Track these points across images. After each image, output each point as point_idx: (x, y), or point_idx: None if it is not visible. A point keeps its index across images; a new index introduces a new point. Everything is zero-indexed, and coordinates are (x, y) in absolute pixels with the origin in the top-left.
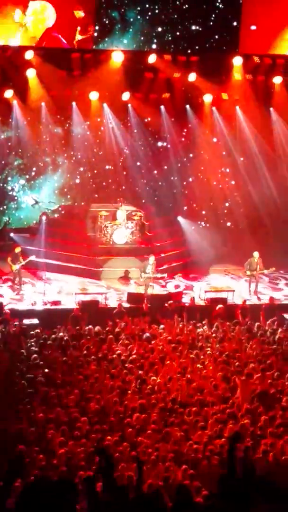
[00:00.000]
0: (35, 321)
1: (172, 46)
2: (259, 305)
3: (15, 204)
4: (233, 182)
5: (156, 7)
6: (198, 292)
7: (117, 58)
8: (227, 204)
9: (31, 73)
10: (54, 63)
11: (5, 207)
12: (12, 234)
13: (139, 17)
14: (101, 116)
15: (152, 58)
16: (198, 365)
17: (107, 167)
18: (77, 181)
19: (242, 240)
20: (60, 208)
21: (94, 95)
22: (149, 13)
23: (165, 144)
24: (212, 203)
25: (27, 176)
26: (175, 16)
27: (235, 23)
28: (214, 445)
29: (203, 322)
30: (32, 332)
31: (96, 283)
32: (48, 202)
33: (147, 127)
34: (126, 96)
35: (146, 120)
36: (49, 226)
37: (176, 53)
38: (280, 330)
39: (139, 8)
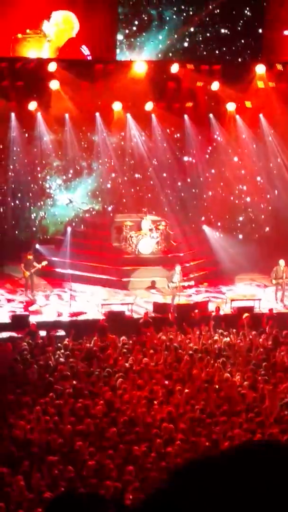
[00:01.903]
0: (61, 332)
1: (202, 46)
2: (286, 313)
3: (51, 201)
4: (257, 187)
5: (191, 8)
6: (224, 301)
7: (140, 68)
8: (251, 214)
9: (54, 85)
10: (77, 74)
11: (42, 203)
12: (37, 246)
13: (174, 16)
14: (124, 126)
15: (175, 68)
16: (226, 374)
17: (136, 175)
18: (108, 186)
19: (268, 248)
20: (91, 209)
21: (117, 106)
22: (184, 14)
23: (189, 158)
24: (240, 213)
25: (64, 177)
26: (207, 19)
27: (260, 30)
28: None
29: (230, 331)
30: (59, 344)
31: (119, 292)
32: (81, 202)
33: (170, 137)
34: (149, 106)
35: (169, 130)
36: (74, 237)
37: (199, 61)
38: None
39: (175, 8)
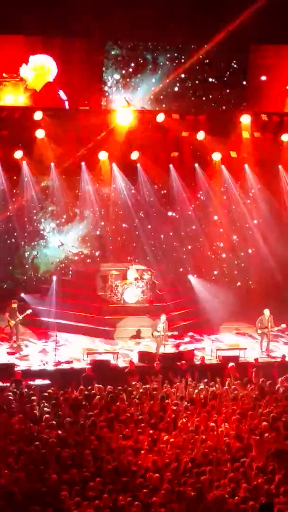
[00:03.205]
0: (46, 381)
1: (191, 91)
2: (272, 363)
3: (44, 243)
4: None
5: (183, 56)
6: (210, 350)
7: (126, 117)
8: (234, 260)
9: (40, 134)
10: (63, 123)
11: (35, 243)
12: (22, 295)
13: (167, 62)
14: (110, 176)
15: (160, 117)
16: (211, 424)
17: (123, 225)
18: (98, 232)
19: (253, 298)
20: (80, 253)
21: (103, 155)
22: (176, 61)
23: (173, 214)
24: (224, 264)
25: (57, 221)
26: (197, 67)
27: (244, 82)
28: (228, 504)
29: (215, 380)
30: (44, 393)
31: (105, 342)
32: (72, 246)
33: (156, 190)
34: (135, 155)
35: (155, 183)
36: (59, 286)
37: (185, 111)
38: None
39: (168, 55)
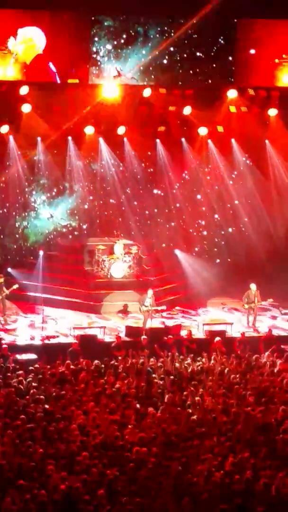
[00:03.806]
0: (33, 356)
1: (179, 65)
2: (258, 337)
3: (35, 214)
4: (229, 212)
5: (172, 30)
6: (196, 325)
7: (113, 92)
8: (220, 234)
9: (26, 108)
10: (49, 97)
11: (26, 214)
12: (9, 269)
13: (158, 35)
14: (97, 150)
15: (147, 92)
16: (197, 398)
17: (111, 200)
18: (86, 206)
19: (238, 274)
20: (68, 225)
21: (89, 129)
22: (166, 34)
23: (159, 192)
24: (213, 237)
25: (48, 194)
26: (185, 41)
27: (230, 58)
28: (214, 478)
29: (202, 354)
30: (31, 367)
31: (91, 316)
32: (60, 218)
33: (142, 166)
34: (121, 130)
35: (141, 157)
36: (46, 261)
37: (172, 85)
38: (279, 361)
39: (159, 28)
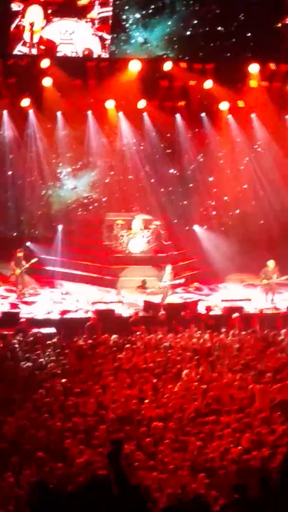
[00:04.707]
0: (52, 330)
1: (202, 38)
2: (276, 314)
3: (59, 184)
4: (245, 187)
5: (197, 4)
6: (215, 301)
7: (133, 66)
8: (237, 211)
9: (47, 82)
10: (70, 71)
11: (51, 183)
12: (28, 243)
13: (184, 8)
14: (117, 125)
15: (167, 66)
16: (215, 374)
17: (129, 176)
18: (107, 181)
19: (258, 249)
20: (89, 197)
21: (110, 104)
22: (191, 8)
23: (174, 172)
24: (230, 212)
25: (73, 167)
26: (209, 15)
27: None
28: (231, 454)
29: (220, 330)
30: (49, 342)
31: (110, 291)
32: (83, 190)
33: (163, 135)
34: (142, 104)
35: (161, 133)
36: (65, 235)
37: (192, 59)
38: None
39: (185, 2)
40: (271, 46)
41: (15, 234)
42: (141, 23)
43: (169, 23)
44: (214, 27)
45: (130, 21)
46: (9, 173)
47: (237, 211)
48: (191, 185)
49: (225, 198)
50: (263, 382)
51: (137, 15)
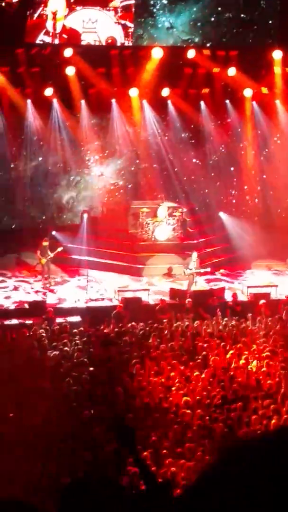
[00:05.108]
0: (78, 318)
1: (225, 24)
2: None
3: (87, 171)
4: (264, 176)
5: None
6: (241, 287)
7: (156, 54)
8: (258, 200)
9: (70, 71)
10: (93, 60)
11: (79, 170)
12: (54, 232)
13: None
14: (140, 113)
15: (191, 53)
16: (242, 361)
17: (154, 165)
18: (132, 169)
19: (286, 234)
20: (116, 183)
21: (133, 92)
22: None
23: (197, 161)
24: (256, 199)
25: (101, 155)
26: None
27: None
28: None
29: (246, 317)
30: (75, 330)
31: (136, 279)
32: (109, 177)
33: (187, 123)
34: (165, 92)
35: (185, 121)
36: (90, 224)
37: (215, 47)
38: None
39: None
40: None
41: (43, 217)
42: (167, 8)
43: (195, 9)
44: (238, 14)
45: (157, 6)
46: (40, 159)
47: (264, 197)
48: (212, 175)
49: (246, 187)
50: None
51: (164, 1)
